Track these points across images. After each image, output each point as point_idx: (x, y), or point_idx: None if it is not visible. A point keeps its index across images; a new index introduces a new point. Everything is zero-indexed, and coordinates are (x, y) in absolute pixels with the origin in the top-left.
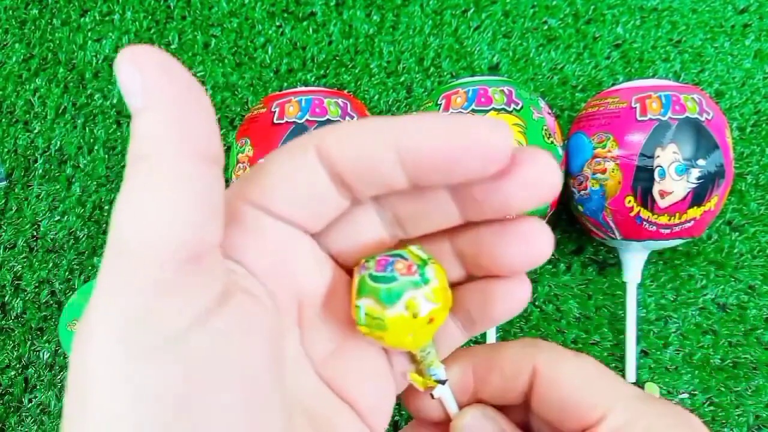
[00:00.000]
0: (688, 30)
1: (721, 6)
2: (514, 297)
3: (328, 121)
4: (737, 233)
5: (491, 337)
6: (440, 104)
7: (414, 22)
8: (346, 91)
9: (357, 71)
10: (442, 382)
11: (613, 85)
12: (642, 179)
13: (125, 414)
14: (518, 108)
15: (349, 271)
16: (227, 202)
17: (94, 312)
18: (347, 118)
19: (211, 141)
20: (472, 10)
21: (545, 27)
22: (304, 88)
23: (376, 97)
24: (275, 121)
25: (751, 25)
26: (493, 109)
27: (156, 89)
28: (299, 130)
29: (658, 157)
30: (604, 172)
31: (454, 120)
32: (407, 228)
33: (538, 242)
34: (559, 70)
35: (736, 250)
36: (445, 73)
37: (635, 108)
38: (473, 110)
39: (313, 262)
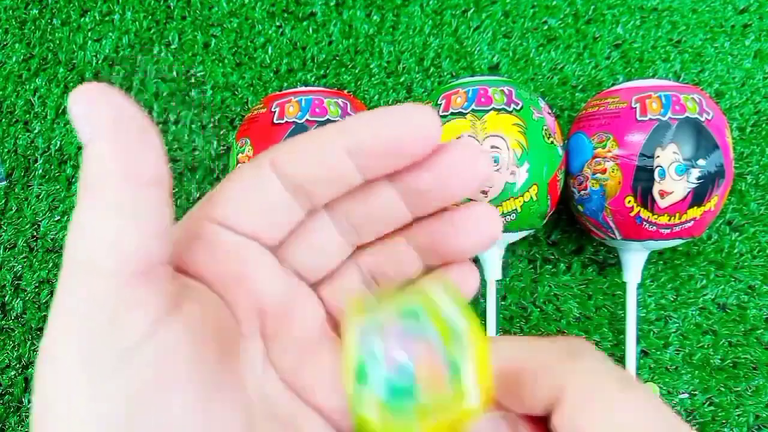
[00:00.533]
0: (688, 30)
1: (721, 6)
2: (465, 285)
3: (328, 121)
4: (737, 233)
5: (490, 335)
6: (440, 104)
7: (414, 22)
8: (346, 91)
9: (357, 71)
10: None
11: (613, 85)
12: (642, 179)
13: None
14: (518, 108)
15: (313, 285)
16: (191, 219)
17: (53, 330)
18: (347, 117)
19: (155, 166)
20: (472, 10)
21: (545, 27)
22: (304, 88)
23: (376, 97)
24: (275, 121)
25: (751, 25)
26: (493, 109)
27: (102, 122)
28: (299, 130)
29: (658, 157)
30: (604, 172)
31: (390, 111)
32: (362, 233)
33: (487, 225)
34: (559, 70)
35: (736, 250)
36: (445, 73)
37: (635, 108)
38: (473, 110)
39: (273, 276)
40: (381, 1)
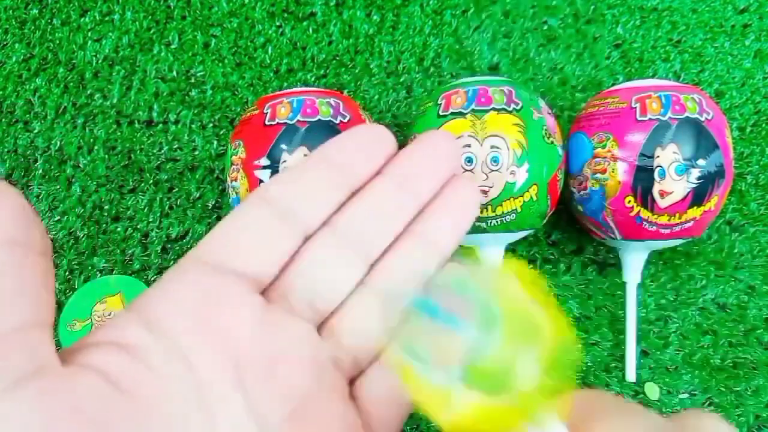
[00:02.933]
0: (688, 30)
1: (721, 6)
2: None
3: (320, 121)
4: (737, 233)
5: None
6: (440, 104)
7: (414, 22)
8: (346, 91)
9: (357, 71)
10: None
11: (613, 85)
12: (642, 179)
13: None
14: (518, 108)
15: (325, 318)
16: (179, 263)
17: None
18: (339, 117)
19: (9, 228)
20: (472, 10)
21: (545, 27)
22: (297, 89)
23: (376, 97)
24: (267, 122)
25: (751, 25)
26: (493, 109)
27: None
28: (290, 130)
29: (658, 157)
30: (604, 172)
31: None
32: (372, 239)
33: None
34: (559, 70)
35: (736, 250)
36: (445, 73)
37: (635, 108)
38: (473, 110)
39: (256, 322)
40: (381, 1)
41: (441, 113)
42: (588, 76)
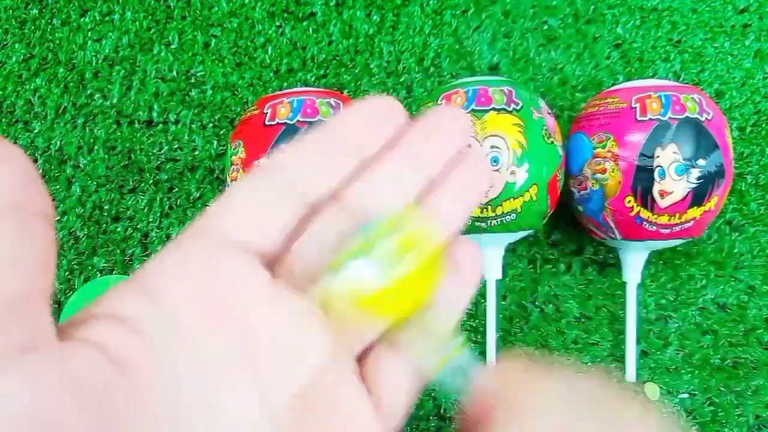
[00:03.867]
0: (688, 30)
1: (721, 6)
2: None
3: (320, 122)
4: (737, 233)
5: (490, 335)
6: (440, 104)
7: (414, 22)
8: (346, 91)
9: (357, 71)
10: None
11: (613, 85)
12: (642, 179)
13: None
14: (518, 108)
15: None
16: (178, 235)
17: None
18: None
19: (12, 190)
20: (472, 10)
21: (545, 27)
22: (297, 89)
23: None
24: (267, 122)
25: (751, 25)
26: (493, 109)
27: None
28: (290, 131)
29: (658, 157)
30: (604, 172)
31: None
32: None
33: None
34: (559, 70)
35: (736, 250)
36: (445, 73)
37: (635, 108)
38: (473, 110)
39: (261, 297)
40: (381, 1)
41: None
42: (588, 76)
